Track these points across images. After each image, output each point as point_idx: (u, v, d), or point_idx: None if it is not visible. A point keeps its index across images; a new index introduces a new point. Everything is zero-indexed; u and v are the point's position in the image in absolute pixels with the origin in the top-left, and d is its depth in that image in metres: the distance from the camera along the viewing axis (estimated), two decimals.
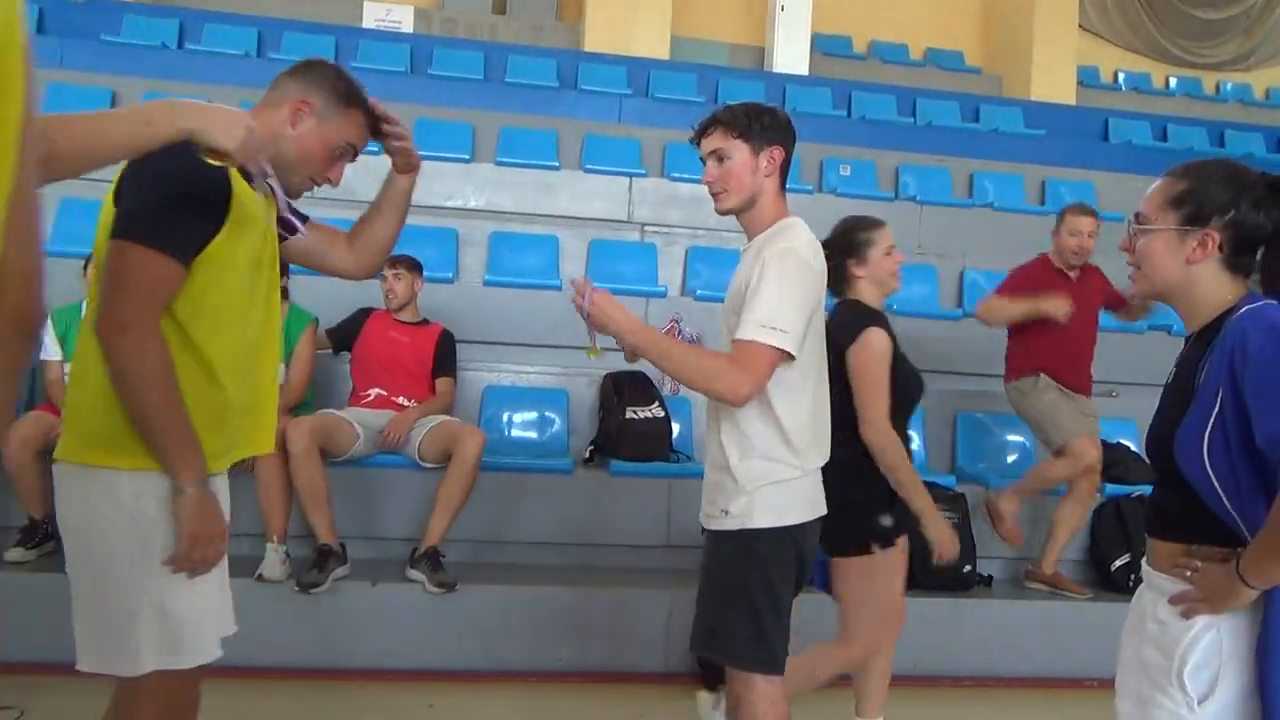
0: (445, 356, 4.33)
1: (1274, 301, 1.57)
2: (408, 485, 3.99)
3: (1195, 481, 1.57)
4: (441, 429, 3.94)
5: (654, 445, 4.40)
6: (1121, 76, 11.18)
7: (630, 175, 6.55)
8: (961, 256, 6.38)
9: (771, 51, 9.29)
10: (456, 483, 3.79)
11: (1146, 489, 4.53)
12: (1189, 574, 1.60)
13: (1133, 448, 4.91)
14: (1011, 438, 4.89)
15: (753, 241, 2.21)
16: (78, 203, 5.56)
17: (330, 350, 4.43)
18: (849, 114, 8.52)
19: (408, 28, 8.98)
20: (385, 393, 4.16)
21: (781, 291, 2.01)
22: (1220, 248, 1.58)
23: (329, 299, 4.73)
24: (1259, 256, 1.62)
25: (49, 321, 4.00)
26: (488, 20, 9.26)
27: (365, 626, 3.66)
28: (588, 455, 4.48)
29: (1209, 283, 1.60)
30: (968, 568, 4.17)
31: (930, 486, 4.26)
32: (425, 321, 4.42)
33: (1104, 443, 4.87)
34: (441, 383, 4.28)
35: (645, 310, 5.48)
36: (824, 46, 10.27)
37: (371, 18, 8.90)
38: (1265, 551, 1.46)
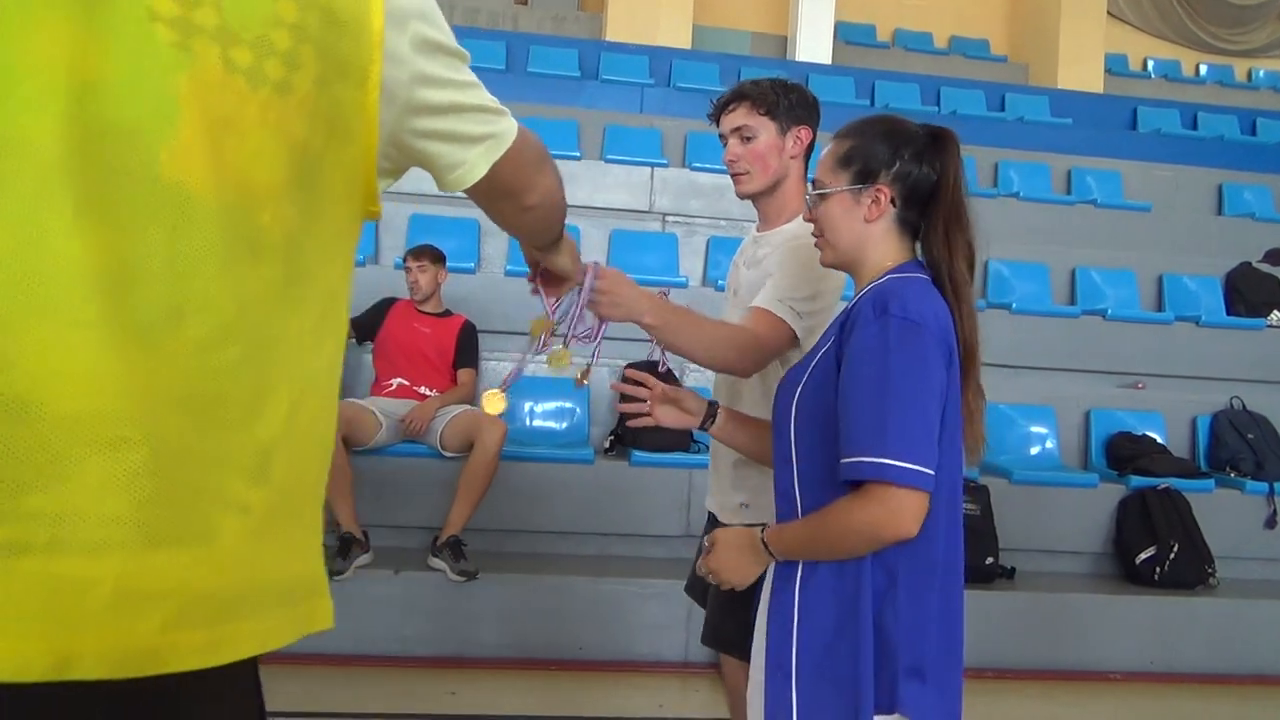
0: (467, 347, 4.35)
1: (920, 275, 1.53)
2: (430, 474, 4.02)
3: (778, 424, 1.58)
4: (463, 419, 3.97)
5: (674, 435, 4.39)
6: (1151, 64, 11.02)
7: (652, 165, 6.54)
8: (986, 247, 6.29)
9: (794, 40, 9.23)
10: (477, 472, 3.81)
11: (1173, 481, 4.49)
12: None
13: (1159, 439, 4.85)
14: (1035, 429, 4.85)
15: (770, 233, 2.08)
16: None
17: (354, 340, 4.45)
18: (872, 103, 8.45)
19: None
20: (407, 382, 4.18)
21: (806, 275, 1.89)
22: (893, 202, 1.54)
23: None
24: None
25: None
26: (509, 10, 9.26)
27: (388, 614, 3.69)
28: (608, 445, 4.48)
29: (880, 242, 1.56)
30: (989, 560, 4.14)
31: None
32: (448, 312, 4.44)
33: (1129, 434, 4.85)
34: (463, 373, 4.30)
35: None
36: (847, 35, 10.19)
37: None
38: (798, 538, 1.50)
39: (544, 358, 1.84)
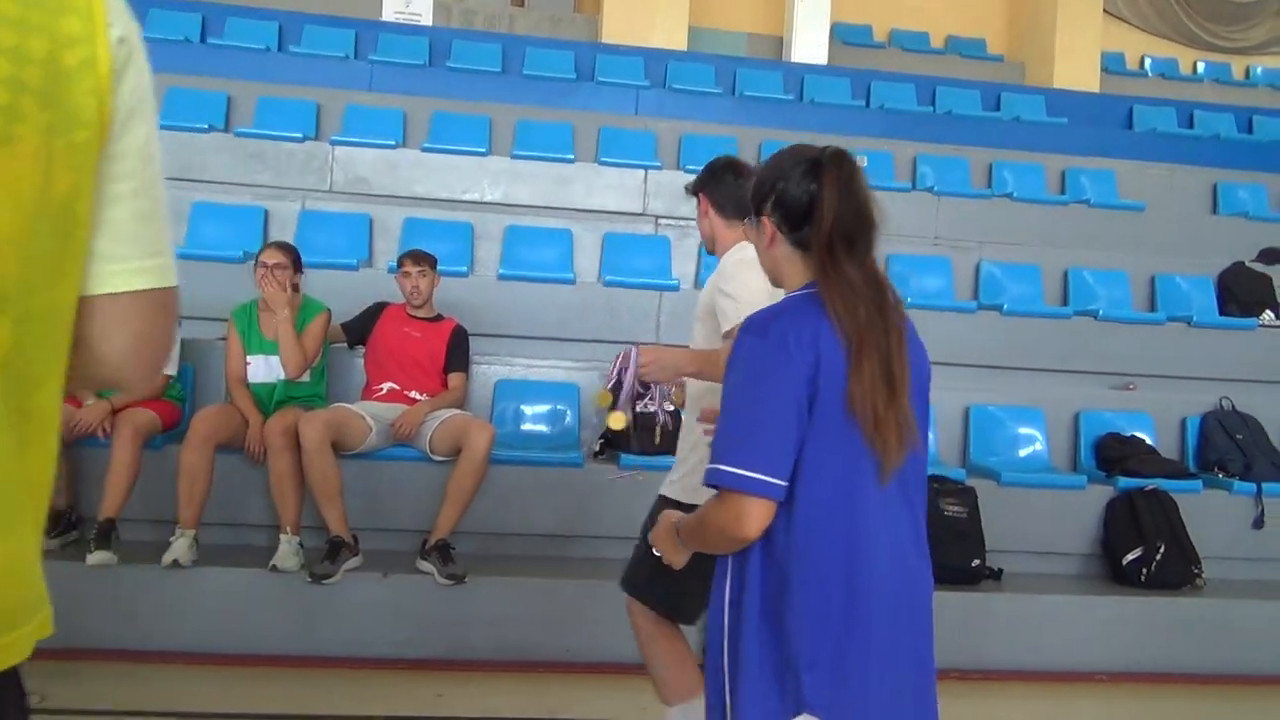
0: (458, 351, 4.37)
1: (807, 292, 1.61)
2: (420, 478, 4.05)
3: None
4: (452, 423, 4.00)
5: (664, 438, 4.42)
6: (1148, 62, 10.99)
7: (645, 168, 6.56)
8: (978, 248, 6.33)
9: (790, 41, 9.24)
10: (466, 476, 3.84)
11: (1160, 482, 4.51)
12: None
13: (1148, 440, 4.87)
14: (1024, 431, 4.87)
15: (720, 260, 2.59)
16: None
17: (345, 344, 4.49)
18: (867, 104, 8.47)
19: (427, 20, 9.01)
20: (398, 387, 4.21)
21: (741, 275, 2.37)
22: (780, 228, 1.65)
23: (342, 293, 4.80)
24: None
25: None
26: (506, 12, 9.28)
27: (377, 617, 3.73)
28: (598, 448, 4.51)
29: (787, 265, 1.68)
30: (976, 562, 4.17)
31: (940, 480, 4.31)
32: (439, 317, 4.46)
33: (1118, 435, 4.86)
34: (454, 377, 4.33)
35: (659, 304, 5.51)
36: (844, 35, 10.19)
37: (391, 10, 8.94)
38: (687, 529, 1.70)
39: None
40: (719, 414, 1.59)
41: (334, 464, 3.75)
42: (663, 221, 6.24)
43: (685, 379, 2.59)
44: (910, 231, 6.58)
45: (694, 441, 2.48)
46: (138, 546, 3.76)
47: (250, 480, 3.97)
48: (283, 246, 4.16)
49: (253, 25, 8.11)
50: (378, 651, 3.69)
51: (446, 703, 3.37)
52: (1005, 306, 5.74)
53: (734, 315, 2.26)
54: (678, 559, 1.81)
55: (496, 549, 4.17)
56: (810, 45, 8.99)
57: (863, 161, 6.15)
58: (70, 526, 3.87)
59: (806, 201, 1.61)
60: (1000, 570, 4.33)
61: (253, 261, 4.22)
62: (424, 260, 4.35)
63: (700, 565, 1.78)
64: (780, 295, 1.74)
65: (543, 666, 3.74)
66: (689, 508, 1.90)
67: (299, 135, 6.35)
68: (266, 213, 5.79)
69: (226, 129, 6.58)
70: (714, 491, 1.57)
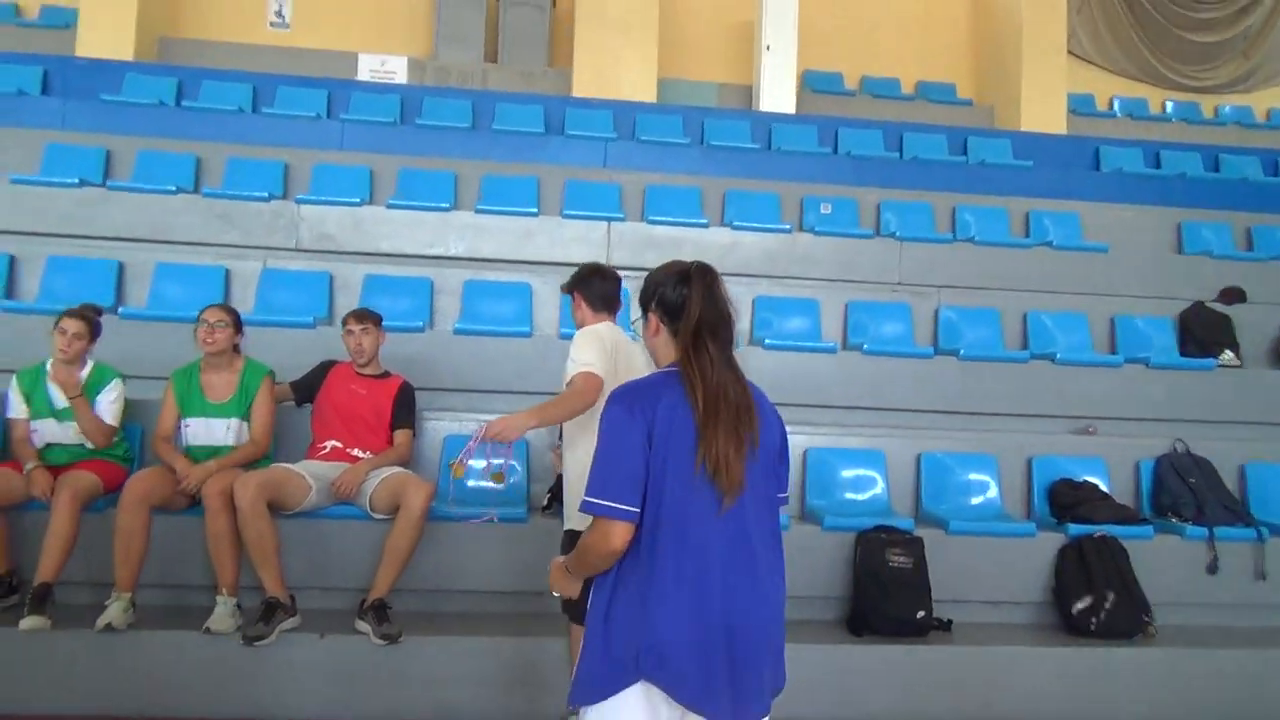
0: (403, 408, 4.40)
1: (654, 375, 2.13)
2: (361, 536, 4.06)
3: None
4: (391, 480, 4.01)
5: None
6: (1117, 103, 11.13)
7: (609, 219, 6.64)
8: (937, 293, 6.37)
9: (758, 91, 9.37)
10: (403, 534, 3.85)
11: (1110, 528, 4.49)
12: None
13: (1101, 486, 4.86)
14: (975, 477, 4.86)
15: None
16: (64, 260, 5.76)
17: (293, 402, 4.52)
18: (835, 150, 8.57)
19: (402, 78, 9.19)
20: (341, 445, 4.24)
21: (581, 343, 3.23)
22: (662, 321, 2.15)
23: (301, 351, 4.83)
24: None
25: (14, 380, 4.13)
26: (479, 68, 9.45)
27: (313, 678, 3.71)
28: (546, 503, 4.51)
29: (663, 349, 2.17)
30: (921, 613, 4.13)
31: (888, 530, 4.30)
32: (386, 374, 4.50)
33: (1070, 481, 4.85)
34: (399, 434, 4.35)
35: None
36: (814, 83, 10.34)
37: (367, 69, 9.12)
38: (576, 561, 2.12)
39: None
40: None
41: (270, 524, 3.76)
42: (622, 273, 6.27)
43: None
44: (872, 277, 6.64)
45: (572, 481, 3.19)
46: (80, 610, 3.76)
47: (191, 542, 3.98)
48: (223, 307, 4.21)
49: (227, 88, 8.26)
50: (315, 712, 3.66)
51: None
52: (962, 351, 5.76)
53: (570, 370, 3.18)
54: (572, 590, 2.21)
55: (442, 605, 4.16)
56: (778, 94, 9.12)
57: (826, 209, 6.29)
58: (10, 591, 3.88)
59: (679, 303, 2.10)
60: (949, 621, 4.30)
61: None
62: (367, 319, 4.40)
63: None
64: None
65: None
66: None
67: (265, 195, 6.45)
68: (228, 272, 5.86)
69: (195, 190, 6.68)
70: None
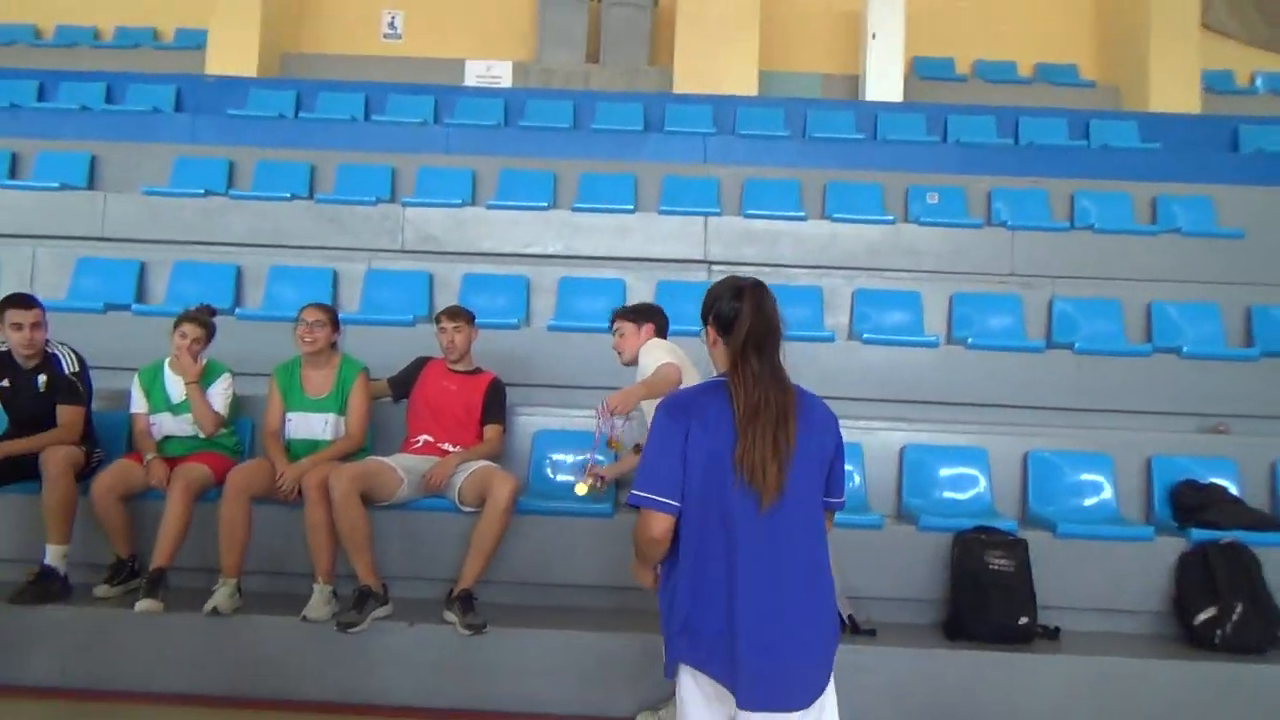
0: (494, 404, 4.47)
1: (703, 384, 2.29)
2: (450, 528, 4.14)
3: None
4: (478, 474, 4.08)
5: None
6: (1259, 79, 10.30)
7: (705, 214, 6.58)
8: (1051, 285, 6.05)
9: (864, 80, 9.13)
10: (488, 526, 3.91)
11: (1241, 534, 4.15)
12: None
13: (1231, 488, 4.50)
14: (1087, 478, 4.57)
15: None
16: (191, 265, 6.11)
17: (391, 398, 4.65)
18: (944, 139, 8.26)
19: (507, 82, 9.38)
20: (432, 439, 4.34)
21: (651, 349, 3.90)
22: (720, 334, 2.25)
23: (400, 349, 4.96)
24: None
25: (136, 378, 4.40)
26: (582, 69, 9.55)
27: (402, 665, 3.81)
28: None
29: (720, 360, 2.28)
30: (1024, 619, 3.92)
31: (987, 531, 4.09)
32: (478, 370, 4.58)
33: (1194, 483, 4.52)
34: (489, 429, 4.42)
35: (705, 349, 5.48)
36: (924, 70, 9.99)
37: (473, 75, 9.35)
38: (636, 552, 2.30)
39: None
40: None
41: (362, 515, 3.88)
42: (715, 268, 6.23)
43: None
44: (981, 269, 6.36)
45: None
46: (192, 594, 3.97)
47: (295, 532, 4.14)
48: (321, 306, 4.37)
49: (341, 98, 8.62)
50: (401, 699, 3.76)
51: None
52: (1077, 345, 5.45)
53: (649, 369, 3.77)
54: (646, 579, 2.40)
55: (530, 599, 4.20)
56: (885, 83, 8.86)
57: (933, 199, 6.11)
58: (132, 574, 4.12)
59: (732, 316, 2.21)
60: (1057, 629, 4.06)
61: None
62: (459, 316, 4.49)
63: None
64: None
65: (562, 718, 3.72)
66: None
67: (372, 199, 6.69)
68: (336, 273, 6.10)
69: (309, 196, 6.98)
70: None
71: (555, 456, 4.70)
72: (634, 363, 3.92)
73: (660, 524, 2.14)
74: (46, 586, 3.93)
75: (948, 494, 4.57)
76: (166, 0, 10.59)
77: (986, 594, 3.95)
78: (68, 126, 7.90)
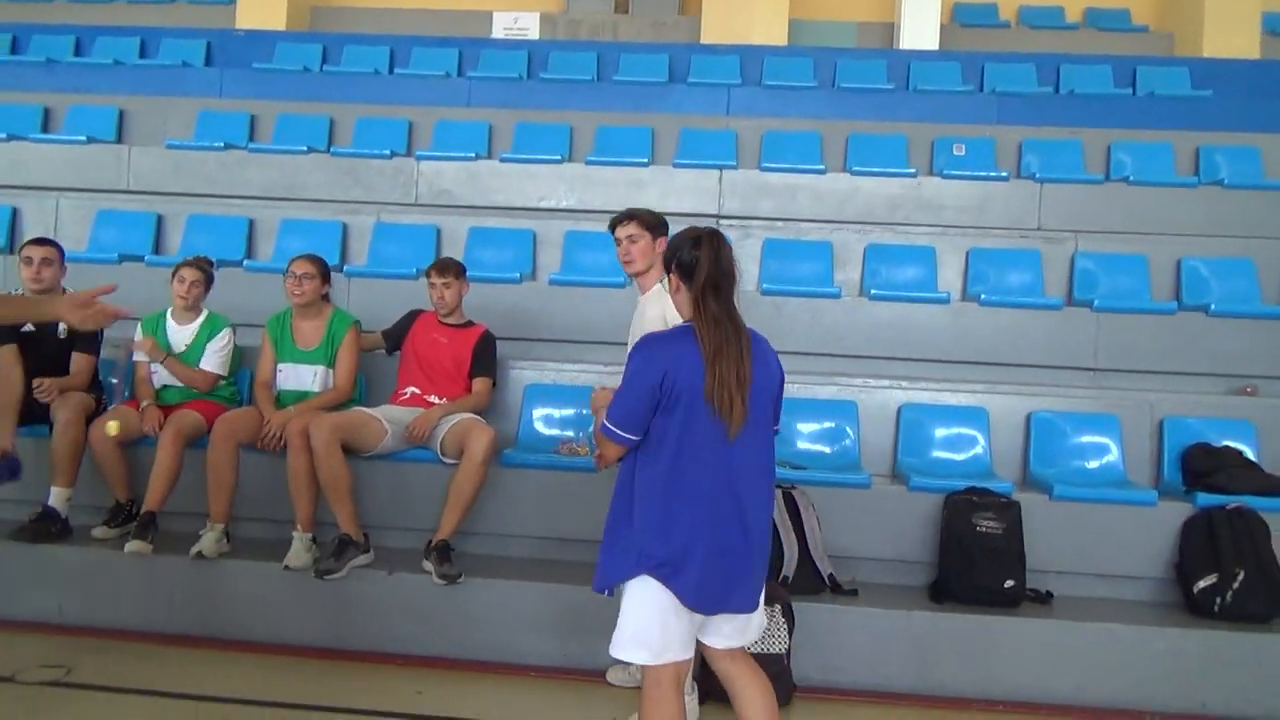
0: (483, 357, 4.45)
1: (689, 326, 2.43)
2: (433, 479, 4.16)
3: None
4: (459, 426, 4.09)
5: None
6: None
7: (719, 168, 6.44)
8: (1074, 239, 5.80)
9: (899, 27, 8.79)
10: (466, 478, 3.92)
11: (1249, 499, 3.96)
12: None
13: (1248, 453, 4.29)
14: (1092, 439, 4.41)
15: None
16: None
17: (384, 351, 4.67)
18: (980, 88, 7.93)
19: (534, 34, 9.26)
20: (419, 391, 4.35)
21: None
22: (682, 280, 2.45)
23: (404, 301, 4.96)
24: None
25: (139, 327, 4.49)
26: (610, 20, 9.38)
27: (382, 613, 3.86)
28: None
29: (683, 305, 2.49)
30: (1010, 583, 3.81)
31: (979, 493, 3.97)
32: (469, 324, 4.56)
33: (1208, 446, 4.33)
34: (478, 382, 4.42)
35: None
36: (964, 17, 9.58)
37: (500, 27, 9.25)
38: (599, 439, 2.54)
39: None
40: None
41: (343, 464, 3.91)
42: (726, 222, 6.10)
43: None
44: (1004, 223, 6.13)
45: None
46: (183, 538, 4.06)
47: (283, 480, 4.20)
48: (310, 258, 4.39)
49: (367, 51, 8.61)
50: (378, 645, 3.82)
51: (423, 700, 3.45)
52: (1096, 302, 5.23)
53: (649, 325, 3.28)
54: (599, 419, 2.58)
55: (507, 550, 4.22)
56: (920, 30, 8.52)
57: (959, 150, 5.89)
58: (129, 518, 4.24)
59: (692, 264, 2.42)
60: (1049, 594, 3.95)
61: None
62: (449, 271, 4.46)
63: None
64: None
65: (535, 670, 3.75)
66: None
67: (387, 152, 6.68)
68: (345, 226, 6.13)
69: (327, 150, 7.00)
70: None
71: (544, 411, 4.68)
72: (641, 273, 3.53)
73: (618, 451, 2.46)
74: (46, 526, 4.07)
75: (944, 454, 4.46)
76: None
77: (972, 556, 3.85)
78: (100, 81, 8.03)
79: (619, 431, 2.41)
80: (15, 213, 6.39)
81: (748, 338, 2.43)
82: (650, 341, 2.48)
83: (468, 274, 4.55)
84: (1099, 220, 6.03)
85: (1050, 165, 6.52)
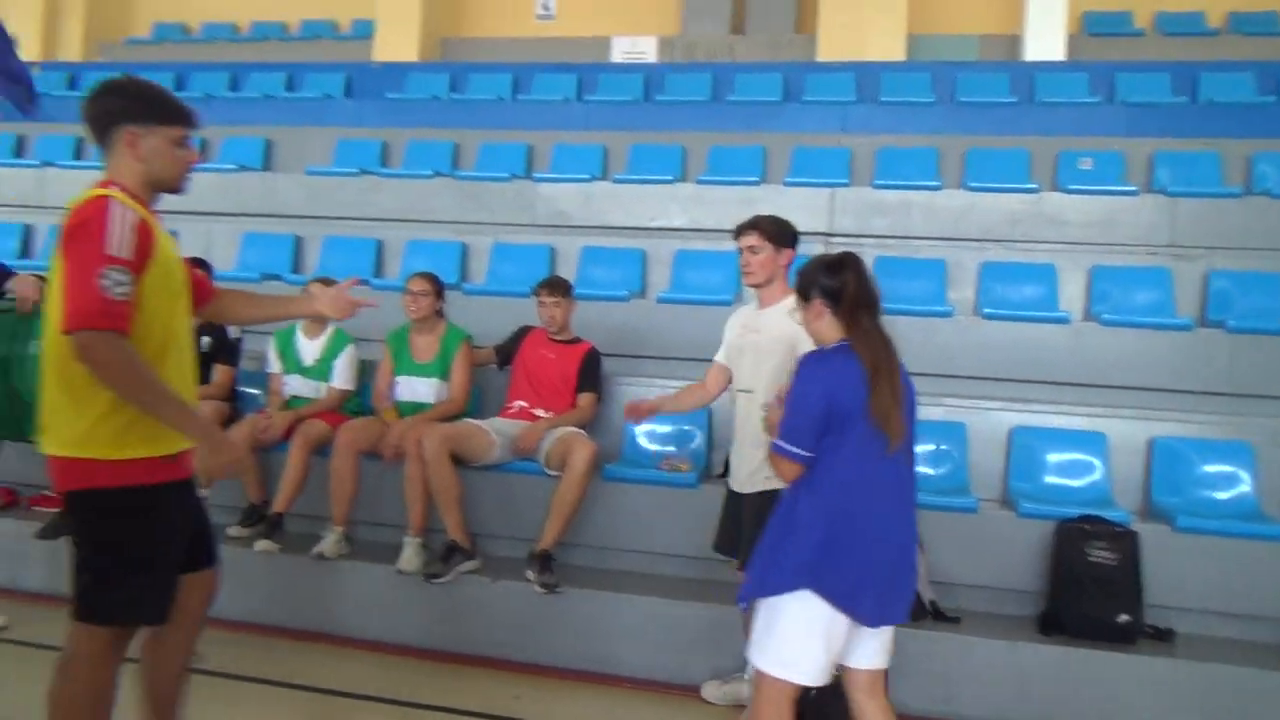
0: (588, 373, 4.58)
1: (844, 345, 2.49)
2: (538, 491, 4.29)
3: None
4: (563, 439, 4.21)
5: None
6: None
7: (831, 186, 6.41)
8: (1207, 257, 5.49)
9: (1025, 39, 8.52)
10: (567, 490, 4.04)
11: None
12: None
13: None
14: (1222, 469, 4.16)
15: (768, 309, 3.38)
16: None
17: (496, 365, 4.87)
18: (1110, 99, 7.61)
19: (652, 57, 9.44)
20: (526, 405, 4.51)
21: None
22: (826, 306, 2.53)
23: (518, 319, 5.15)
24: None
25: (272, 340, 4.83)
26: (726, 40, 9.46)
27: (485, 618, 4.01)
28: (722, 470, 4.50)
29: (827, 329, 2.56)
30: (1124, 617, 3.64)
31: (1092, 521, 3.81)
32: (576, 340, 4.70)
33: None
34: (582, 397, 4.54)
35: None
36: (1095, 26, 9.20)
37: (619, 51, 9.47)
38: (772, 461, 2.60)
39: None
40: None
41: (452, 473, 4.10)
42: (834, 240, 6.06)
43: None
44: (1135, 239, 5.86)
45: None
46: (309, 539, 4.34)
47: (387, 485, 4.42)
48: (426, 276, 4.63)
49: (491, 79, 8.97)
50: (479, 649, 3.97)
51: (521, 704, 3.56)
52: (1231, 323, 4.94)
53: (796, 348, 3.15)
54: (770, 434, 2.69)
55: (609, 563, 4.30)
56: (1046, 41, 8.23)
57: (1086, 164, 5.73)
58: (261, 519, 4.55)
59: (840, 287, 2.51)
60: (1169, 630, 3.74)
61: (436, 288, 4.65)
62: (557, 290, 4.61)
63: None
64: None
65: (629, 681, 3.81)
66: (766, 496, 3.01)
67: (507, 175, 6.95)
68: (465, 246, 6.41)
69: (451, 174, 7.34)
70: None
71: (648, 427, 4.76)
72: (762, 284, 3.35)
73: (794, 469, 2.50)
74: None
75: (1057, 480, 4.29)
76: None
77: (1083, 587, 3.70)
78: (251, 113, 8.67)
79: (794, 449, 2.47)
80: (173, 236, 6.96)
81: (898, 355, 2.52)
82: (814, 360, 2.55)
83: (578, 292, 4.70)
84: (1237, 236, 5.70)
85: (1184, 178, 6.20)
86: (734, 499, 3.42)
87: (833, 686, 3.29)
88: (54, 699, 2.26)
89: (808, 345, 3.19)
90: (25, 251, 7.02)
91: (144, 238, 2.21)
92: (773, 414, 2.80)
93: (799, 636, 2.41)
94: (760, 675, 2.48)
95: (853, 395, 2.42)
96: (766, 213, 6.21)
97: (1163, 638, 3.73)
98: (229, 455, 2.31)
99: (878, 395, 2.41)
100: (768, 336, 3.27)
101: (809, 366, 2.53)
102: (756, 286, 3.39)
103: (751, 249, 3.33)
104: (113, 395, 2.16)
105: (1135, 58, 8.37)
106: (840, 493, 2.44)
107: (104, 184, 2.26)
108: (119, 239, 2.14)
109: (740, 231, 3.40)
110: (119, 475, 2.21)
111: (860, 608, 2.42)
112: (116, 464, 2.21)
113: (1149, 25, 9.41)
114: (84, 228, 2.15)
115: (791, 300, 3.22)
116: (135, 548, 2.27)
